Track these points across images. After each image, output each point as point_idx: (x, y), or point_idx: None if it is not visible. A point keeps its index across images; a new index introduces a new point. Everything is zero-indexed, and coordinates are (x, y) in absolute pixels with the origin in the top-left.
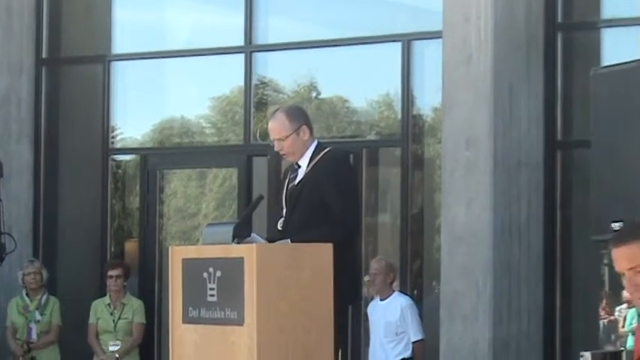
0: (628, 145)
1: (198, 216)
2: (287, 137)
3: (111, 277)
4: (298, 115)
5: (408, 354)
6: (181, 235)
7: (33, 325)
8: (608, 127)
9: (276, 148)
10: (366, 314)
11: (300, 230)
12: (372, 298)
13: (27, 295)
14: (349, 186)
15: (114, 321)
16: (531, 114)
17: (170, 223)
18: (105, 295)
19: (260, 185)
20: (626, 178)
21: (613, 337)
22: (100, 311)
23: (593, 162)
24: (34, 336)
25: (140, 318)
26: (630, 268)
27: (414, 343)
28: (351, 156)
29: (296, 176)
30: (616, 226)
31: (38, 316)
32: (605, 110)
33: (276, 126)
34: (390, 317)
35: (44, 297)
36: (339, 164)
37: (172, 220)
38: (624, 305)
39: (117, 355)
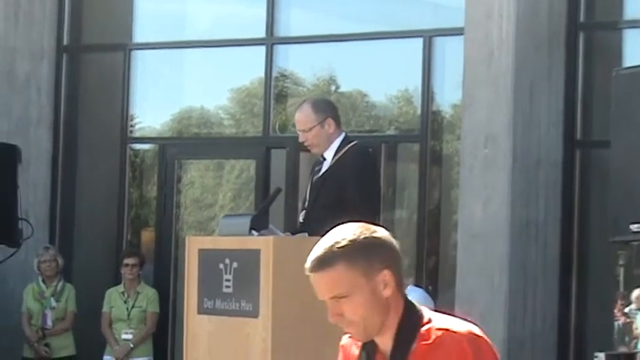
0: None
1: (214, 207)
2: (311, 129)
3: (126, 265)
4: (324, 107)
5: None
6: (197, 226)
7: (48, 312)
8: (629, 127)
9: (300, 139)
10: None
11: (319, 223)
12: None
13: (43, 281)
14: (369, 182)
15: (127, 309)
16: (551, 113)
17: (187, 213)
18: (120, 283)
19: (278, 178)
20: None
21: (627, 338)
22: (113, 300)
23: (613, 163)
24: (49, 322)
25: (154, 307)
26: (332, 297)
27: None
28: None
29: (320, 169)
30: (635, 227)
31: (54, 303)
32: (626, 111)
33: (301, 117)
34: None
35: (60, 284)
36: (361, 160)
37: (189, 210)
38: (633, 306)
39: (131, 345)
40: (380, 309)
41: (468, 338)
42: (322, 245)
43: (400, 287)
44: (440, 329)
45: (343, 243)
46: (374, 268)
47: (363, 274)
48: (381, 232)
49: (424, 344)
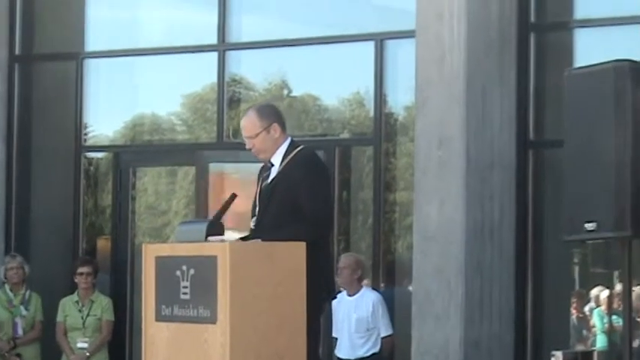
0: (601, 145)
1: (168, 213)
2: (257, 135)
3: (81, 274)
4: (269, 113)
5: (376, 349)
6: (152, 233)
7: (19, 320)
8: (582, 127)
9: (247, 147)
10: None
11: (271, 229)
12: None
13: (10, 289)
14: (321, 185)
15: (82, 318)
16: (504, 114)
17: (140, 220)
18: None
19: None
20: (598, 178)
21: (585, 332)
22: (68, 309)
23: (567, 163)
24: (19, 332)
25: (109, 315)
26: None
27: (383, 338)
28: (323, 153)
29: (269, 175)
30: (589, 226)
31: (24, 311)
32: (579, 111)
33: (247, 124)
34: (361, 313)
35: (27, 292)
36: (311, 163)
37: (142, 218)
38: (592, 304)
39: (87, 353)
40: None
41: None
42: None
43: None
44: None
45: None
46: None
47: None
48: None
49: None
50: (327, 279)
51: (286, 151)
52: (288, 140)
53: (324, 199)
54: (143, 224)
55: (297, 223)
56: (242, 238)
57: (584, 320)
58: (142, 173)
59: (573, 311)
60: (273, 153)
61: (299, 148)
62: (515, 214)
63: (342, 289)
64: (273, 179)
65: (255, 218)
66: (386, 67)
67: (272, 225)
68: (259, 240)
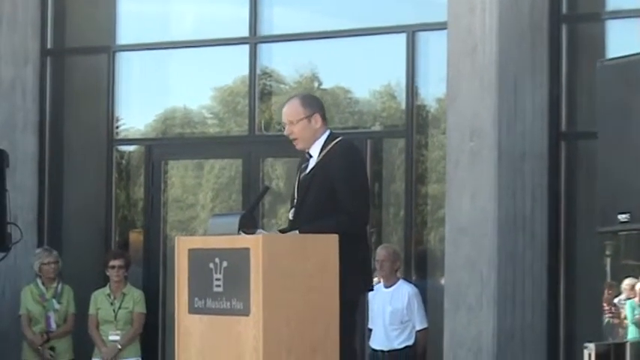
0: (634, 136)
1: (196, 206)
2: (298, 121)
3: (113, 267)
4: (312, 103)
5: (411, 342)
6: (179, 226)
7: (51, 314)
8: (614, 118)
9: (286, 132)
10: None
11: (309, 221)
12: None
13: (42, 283)
14: (358, 177)
15: (114, 311)
16: (536, 105)
17: (169, 213)
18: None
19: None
20: (632, 169)
21: (616, 326)
22: (100, 301)
23: (599, 154)
24: (53, 325)
25: (141, 308)
26: None
27: (417, 331)
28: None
29: (307, 166)
30: (622, 217)
31: (57, 305)
32: (611, 102)
33: (289, 109)
34: (397, 305)
35: (59, 285)
36: (349, 155)
37: (171, 210)
38: (623, 296)
39: (119, 346)
40: None
41: None
42: None
43: None
44: None
45: None
46: None
47: None
48: None
49: None
50: (364, 272)
51: (325, 143)
52: (327, 132)
53: (362, 191)
54: (170, 217)
55: (335, 215)
56: (281, 230)
57: (616, 312)
58: (169, 166)
59: (605, 303)
60: (312, 144)
61: (337, 140)
62: (547, 206)
63: (380, 280)
64: (311, 170)
65: (293, 210)
66: (417, 59)
67: (310, 216)
68: (297, 232)
